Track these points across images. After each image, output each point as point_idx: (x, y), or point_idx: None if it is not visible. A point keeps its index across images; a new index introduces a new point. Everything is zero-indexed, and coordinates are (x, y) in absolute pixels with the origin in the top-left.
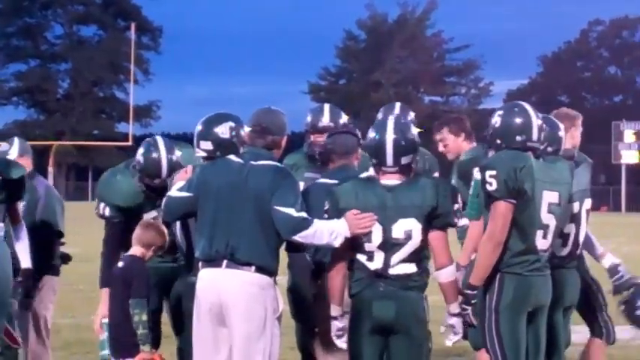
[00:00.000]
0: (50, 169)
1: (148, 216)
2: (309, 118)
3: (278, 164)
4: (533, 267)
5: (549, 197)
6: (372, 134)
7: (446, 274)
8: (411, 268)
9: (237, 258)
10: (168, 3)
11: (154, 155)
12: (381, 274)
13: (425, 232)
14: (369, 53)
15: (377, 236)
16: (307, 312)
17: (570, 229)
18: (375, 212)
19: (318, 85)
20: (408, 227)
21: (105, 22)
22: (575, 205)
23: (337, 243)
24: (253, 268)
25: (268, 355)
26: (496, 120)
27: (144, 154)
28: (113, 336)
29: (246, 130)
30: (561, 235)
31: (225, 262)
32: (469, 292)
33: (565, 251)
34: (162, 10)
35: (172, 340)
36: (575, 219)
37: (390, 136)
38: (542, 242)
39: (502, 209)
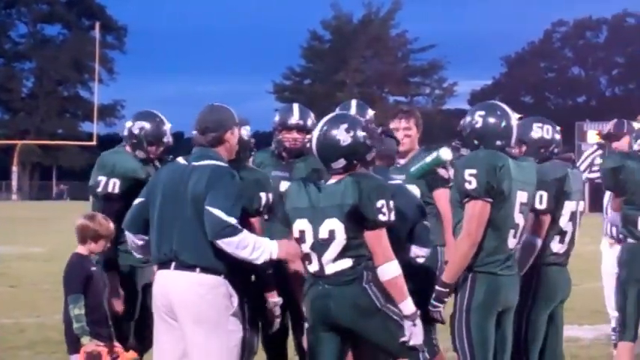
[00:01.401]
0: (14, 169)
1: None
2: (277, 117)
3: (219, 164)
4: (504, 266)
5: (521, 197)
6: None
7: (383, 273)
8: (346, 263)
9: (182, 260)
10: (132, 2)
11: (157, 119)
12: (319, 275)
13: (353, 231)
14: (333, 53)
15: (308, 238)
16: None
17: (569, 227)
18: (305, 213)
19: (282, 84)
20: (331, 227)
21: (69, 21)
22: (574, 204)
23: (259, 260)
24: (198, 269)
25: (225, 352)
26: (477, 120)
27: (146, 120)
28: (65, 333)
29: (242, 131)
30: (560, 232)
31: (173, 264)
32: (442, 289)
33: (562, 248)
34: (127, 9)
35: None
36: (573, 217)
37: (313, 143)
38: (512, 241)
39: (479, 208)
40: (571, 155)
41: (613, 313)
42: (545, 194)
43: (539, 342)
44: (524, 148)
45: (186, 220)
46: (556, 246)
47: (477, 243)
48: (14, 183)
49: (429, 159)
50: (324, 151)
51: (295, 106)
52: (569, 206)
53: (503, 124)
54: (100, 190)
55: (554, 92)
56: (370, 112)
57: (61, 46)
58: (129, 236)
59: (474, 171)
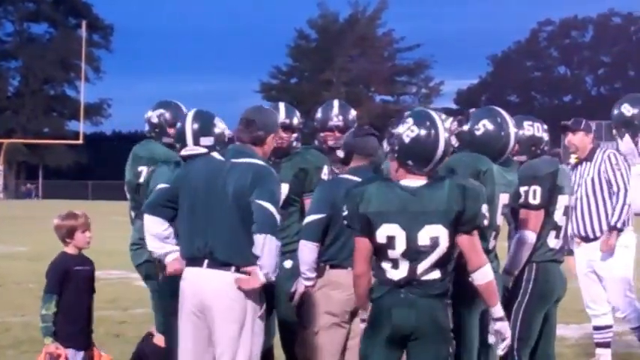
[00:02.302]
0: (0, 167)
1: None
2: None
3: (260, 162)
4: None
5: (503, 199)
6: None
7: (480, 277)
8: (436, 274)
9: (216, 258)
10: (119, 1)
11: (173, 104)
12: (404, 282)
13: (453, 238)
14: (320, 52)
15: (400, 243)
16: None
17: (563, 221)
18: (394, 217)
19: (269, 83)
20: (434, 234)
21: (56, 20)
22: (567, 198)
23: (271, 275)
24: (233, 268)
25: (249, 354)
26: (479, 127)
27: (163, 108)
28: None
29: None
30: (555, 227)
31: (206, 261)
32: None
33: (558, 244)
34: (114, 7)
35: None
36: (567, 212)
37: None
38: (492, 243)
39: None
40: (559, 151)
41: (592, 312)
42: (538, 189)
43: (532, 342)
44: (516, 147)
45: (223, 217)
46: (552, 241)
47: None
48: (0, 182)
49: None
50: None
51: (281, 105)
52: (562, 200)
53: (505, 136)
54: (142, 179)
55: (540, 91)
56: (353, 112)
57: (48, 45)
58: (147, 221)
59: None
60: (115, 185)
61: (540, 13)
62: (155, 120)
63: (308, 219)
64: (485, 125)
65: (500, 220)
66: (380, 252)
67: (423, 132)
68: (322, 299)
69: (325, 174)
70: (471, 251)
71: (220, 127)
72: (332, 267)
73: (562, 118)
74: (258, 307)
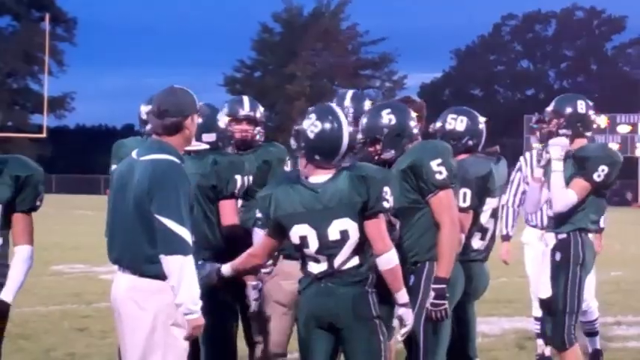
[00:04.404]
0: None
1: None
2: (226, 108)
3: (163, 157)
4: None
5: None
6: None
7: (385, 262)
8: (354, 261)
9: (123, 262)
10: None
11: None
12: (324, 274)
13: (362, 227)
14: (284, 46)
15: (313, 242)
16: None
17: (490, 224)
18: (302, 218)
19: (233, 77)
20: (343, 227)
21: (19, 13)
22: (496, 200)
23: (184, 298)
24: (138, 273)
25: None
26: (389, 118)
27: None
28: None
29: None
30: (481, 229)
31: (118, 266)
32: (440, 285)
33: (483, 245)
34: (77, 1)
35: None
36: (495, 214)
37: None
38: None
39: (452, 196)
40: (496, 149)
41: (535, 303)
42: (468, 192)
43: (468, 336)
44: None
45: (127, 220)
46: (477, 243)
47: (461, 229)
48: None
49: None
50: (328, 144)
51: (245, 98)
52: (490, 203)
53: (412, 115)
54: None
55: (503, 85)
56: (368, 103)
57: (10, 38)
58: None
59: (439, 160)
60: (78, 179)
61: (504, 8)
62: (144, 117)
63: None
64: (454, 119)
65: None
66: (299, 250)
67: (326, 126)
68: (273, 288)
69: (288, 167)
70: (376, 237)
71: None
72: (285, 257)
73: (525, 111)
74: (171, 314)
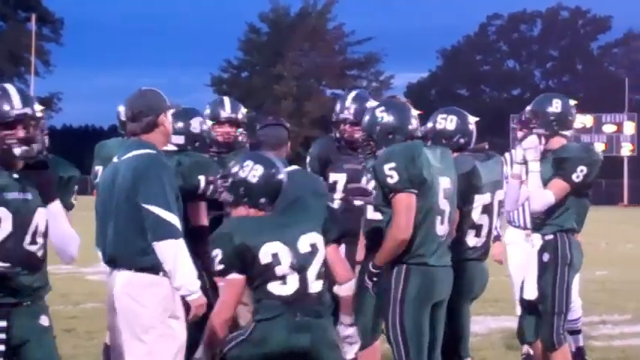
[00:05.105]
0: None
1: None
2: (208, 110)
3: (144, 152)
4: (436, 255)
5: (443, 183)
6: None
7: (346, 289)
8: (320, 285)
9: (117, 261)
10: None
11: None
12: (295, 296)
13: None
14: (271, 46)
15: (285, 258)
16: None
17: (483, 220)
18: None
19: (220, 77)
20: (312, 241)
21: (5, 13)
22: (487, 197)
23: (180, 281)
24: (133, 269)
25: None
26: (381, 115)
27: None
28: None
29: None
30: (474, 226)
31: (113, 266)
32: (373, 270)
33: (478, 242)
34: (64, 1)
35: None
36: (487, 210)
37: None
38: (440, 228)
39: (406, 200)
40: (484, 146)
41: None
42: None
43: (460, 335)
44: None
45: (115, 218)
46: (472, 240)
47: (408, 236)
48: None
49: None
50: None
51: (226, 99)
52: (480, 199)
53: (406, 113)
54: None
55: (489, 85)
56: (372, 102)
57: None
58: None
59: (392, 164)
60: None
61: (489, 8)
62: (123, 118)
63: None
64: (383, 111)
65: (445, 204)
66: (265, 275)
67: (268, 169)
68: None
69: None
70: (338, 261)
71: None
72: None
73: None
74: (167, 307)
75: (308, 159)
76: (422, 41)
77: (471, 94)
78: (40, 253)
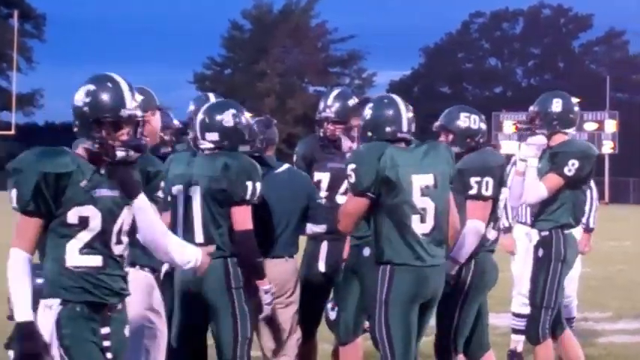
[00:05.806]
0: None
1: None
2: (193, 107)
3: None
4: (419, 254)
5: (420, 180)
6: None
7: None
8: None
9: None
10: None
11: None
12: None
13: None
14: (254, 43)
15: None
16: None
17: (502, 213)
18: None
19: (203, 74)
20: None
21: None
22: (507, 191)
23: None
24: (137, 266)
25: (145, 352)
26: (367, 113)
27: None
28: None
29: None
30: (495, 219)
31: None
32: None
33: (495, 235)
34: None
35: None
36: (505, 205)
37: None
38: (420, 226)
39: (353, 204)
40: (496, 144)
41: (522, 300)
42: (491, 180)
43: (467, 331)
44: (450, 137)
45: None
46: (491, 233)
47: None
48: None
49: None
50: None
51: (212, 96)
52: (505, 192)
53: (391, 111)
54: None
55: (471, 83)
56: (354, 100)
57: None
58: None
59: (353, 165)
60: None
61: (472, 6)
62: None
63: None
64: (371, 108)
65: (425, 202)
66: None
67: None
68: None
69: None
70: None
71: (228, 120)
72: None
73: (493, 109)
74: (142, 301)
75: (294, 158)
76: (404, 39)
77: (454, 91)
78: (125, 253)
